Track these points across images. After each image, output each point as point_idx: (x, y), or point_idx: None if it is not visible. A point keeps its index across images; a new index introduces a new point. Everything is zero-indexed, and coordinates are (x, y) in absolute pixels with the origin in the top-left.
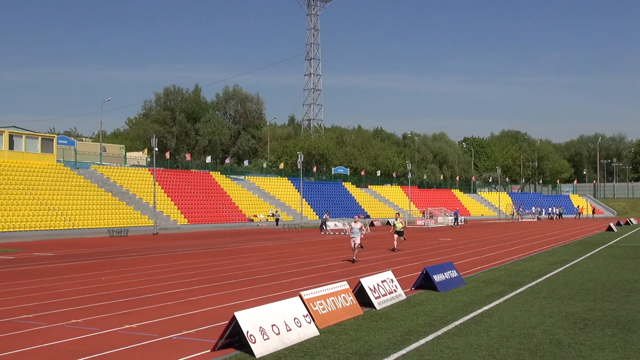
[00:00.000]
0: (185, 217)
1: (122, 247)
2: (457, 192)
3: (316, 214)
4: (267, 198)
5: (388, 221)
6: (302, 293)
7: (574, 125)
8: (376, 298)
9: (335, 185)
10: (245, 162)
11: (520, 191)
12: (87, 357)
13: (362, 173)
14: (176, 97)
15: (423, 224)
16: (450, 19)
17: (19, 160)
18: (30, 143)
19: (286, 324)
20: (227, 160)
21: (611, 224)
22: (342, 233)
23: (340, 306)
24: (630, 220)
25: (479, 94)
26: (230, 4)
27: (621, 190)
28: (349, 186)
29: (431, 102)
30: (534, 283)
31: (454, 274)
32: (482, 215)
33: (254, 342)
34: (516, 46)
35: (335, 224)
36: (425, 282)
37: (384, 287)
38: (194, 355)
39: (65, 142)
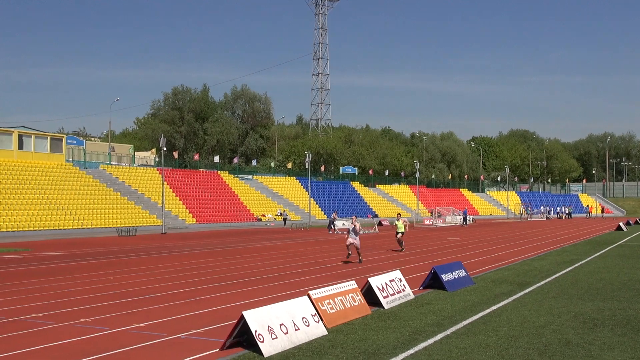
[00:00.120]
0: (193, 217)
1: (131, 246)
2: (465, 192)
3: (324, 214)
4: (275, 197)
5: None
6: (311, 292)
7: (583, 125)
8: (384, 297)
9: (343, 184)
10: (254, 162)
11: (529, 190)
12: (96, 356)
13: (370, 172)
14: (184, 97)
15: (431, 223)
16: (459, 18)
17: (28, 160)
18: (39, 143)
19: (294, 324)
20: (235, 160)
21: (620, 224)
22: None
23: (349, 305)
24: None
25: (488, 93)
26: (238, 4)
27: (630, 189)
28: (357, 186)
29: (439, 101)
30: (542, 283)
31: (462, 273)
32: (490, 214)
33: (262, 342)
34: (525, 45)
35: (343, 224)
36: (433, 282)
37: (392, 286)
38: (202, 355)
39: (74, 142)
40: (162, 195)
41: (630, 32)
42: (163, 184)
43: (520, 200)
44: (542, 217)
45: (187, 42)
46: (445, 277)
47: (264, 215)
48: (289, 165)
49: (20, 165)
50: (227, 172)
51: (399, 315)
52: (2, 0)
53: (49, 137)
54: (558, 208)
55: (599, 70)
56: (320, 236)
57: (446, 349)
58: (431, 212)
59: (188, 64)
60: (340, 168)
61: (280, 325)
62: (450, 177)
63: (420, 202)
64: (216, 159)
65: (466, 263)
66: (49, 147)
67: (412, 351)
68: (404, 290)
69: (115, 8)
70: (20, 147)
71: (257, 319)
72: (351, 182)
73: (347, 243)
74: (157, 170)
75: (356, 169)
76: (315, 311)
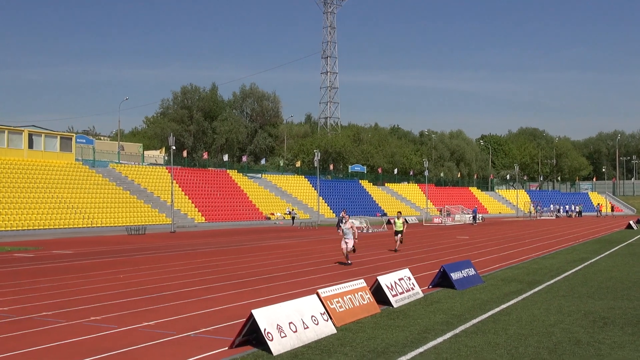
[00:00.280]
0: (202, 215)
1: (140, 245)
2: (474, 190)
3: (333, 212)
4: (284, 196)
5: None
6: (320, 291)
7: (593, 122)
8: (393, 296)
9: (352, 183)
10: (262, 161)
11: (538, 189)
12: (106, 354)
13: (379, 171)
14: (193, 95)
15: (440, 221)
16: (468, 15)
17: (38, 159)
18: (49, 142)
19: (303, 322)
20: (244, 159)
21: (631, 222)
22: (359, 231)
23: (358, 304)
24: None
25: (497, 91)
26: (247, 3)
27: None
28: (365, 184)
29: (448, 99)
30: (552, 281)
31: (471, 272)
32: (500, 213)
33: (272, 340)
34: (534, 43)
35: (352, 222)
36: (442, 280)
37: (401, 285)
38: (211, 353)
39: (84, 140)
40: (172, 194)
41: None
42: (172, 183)
43: (530, 198)
44: (551, 216)
45: (196, 42)
46: (455, 276)
47: (272, 214)
48: (298, 164)
49: (30, 164)
50: (236, 170)
51: (408, 314)
52: (12, 0)
53: (58, 136)
54: (567, 206)
55: (609, 68)
56: (329, 235)
57: (455, 348)
58: (440, 211)
59: (197, 63)
60: (349, 166)
61: (289, 323)
62: (459, 175)
63: (429, 200)
64: (225, 157)
65: (475, 261)
66: (59, 146)
67: (421, 350)
68: (413, 288)
69: (124, 8)
70: (31, 146)
71: (266, 317)
72: (360, 181)
73: (344, 248)
74: (166, 169)
75: (365, 167)
76: (324, 310)
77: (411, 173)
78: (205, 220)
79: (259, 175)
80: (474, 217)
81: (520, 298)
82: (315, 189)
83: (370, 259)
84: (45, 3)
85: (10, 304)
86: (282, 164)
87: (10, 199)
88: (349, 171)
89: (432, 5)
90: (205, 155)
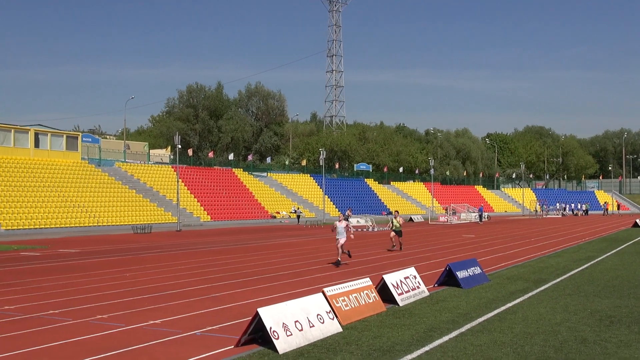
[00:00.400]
0: (208, 214)
1: (146, 243)
2: (480, 189)
3: (338, 211)
4: (289, 195)
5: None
6: (325, 289)
7: (599, 121)
8: (399, 295)
9: (357, 181)
10: (268, 159)
11: (544, 187)
12: (112, 353)
13: (385, 169)
14: (199, 94)
15: (446, 220)
16: (473, 14)
17: (45, 158)
18: (55, 141)
19: (309, 320)
20: (250, 157)
21: (637, 220)
22: (365, 230)
23: (363, 302)
24: None
25: (502, 89)
26: (252, 1)
27: None
28: (371, 183)
29: (454, 98)
30: (558, 280)
31: (477, 270)
32: (505, 211)
33: (277, 338)
34: (540, 41)
35: (357, 221)
36: (448, 279)
37: (407, 283)
38: (217, 351)
39: (90, 139)
40: (177, 193)
41: None
42: (178, 182)
43: (536, 197)
44: (557, 214)
45: (201, 40)
46: (460, 274)
47: (278, 213)
48: (303, 163)
49: (36, 163)
50: (242, 169)
51: (414, 313)
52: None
53: (64, 135)
54: (572, 205)
55: (616, 66)
56: (334, 233)
57: (461, 346)
58: (446, 209)
59: (202, 62)
60: (355, 165)
61: (295, 322)
62: (465, 174)
63: (434, 199)
64: (230, 156)
65: (481, 260)
66: (65, 145)
67: (427, 348)
68: (418, 287)
69: (128, 7)
70: (37, 145)
71: (272, 315)
72: (365, 179)
73: (339, 245)
74: (172, 167)
75: (370, 166)
76: (329, 308)
77: (417, 171)
78: (211, 218)
79: (265, 173)
80: (480, 216)
81: (526, 297)
82: (320, 188)
83: (375, 257)
84: (49, 3)
85: (17, 302)
86: (287, 163)
87: (16, 197)
88: (355, 170)
89: (437, 4)
90: (211, 154)
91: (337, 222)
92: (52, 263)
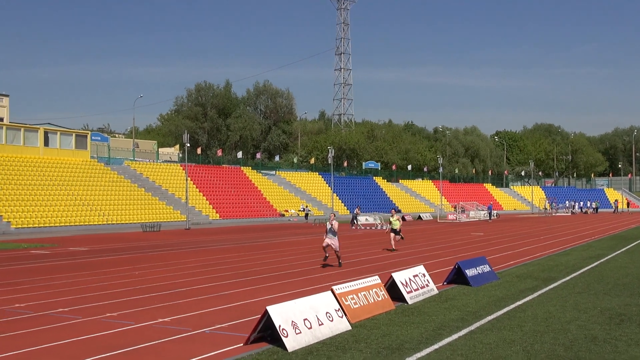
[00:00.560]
0: (217, 212)
1: (155, 242)
2: (489, 186)
3: (347, 209)
4: (298, 193)
5: (403, 216)
6: (334, 287)
7: (609, 118)
8: (408, 293)
9: (366, 179)
10: (276, 157)
11: (553, 185)
12: (122, 351)
13: (393, 167)
14: (207, 93)
15: (455, 218)
16: (482, 11)
17: (54, 157)
18: (64, 139)
19: (318, 318)
20: (258, 156)
21: None
22: (374, 228)
23: (372, 301)
24: None
25: (511, 86)
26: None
27: None
28: (379, 181)
29: (462, 95)
30: (568, 278)
31: (486, 268)
32: (515, 209)
33: (286, 336)
34: (549, 38)
35: (366, 219)
36: (457, 277)
37: (416, 281)
38: (227, 349)
39: (99, 138)
40: (186, 191)
41: None
42: (187, 180)
43: (545, 195)
44: (567, 212)
45: (209, 39)
46: (469, 272)
47: (286, 211)
48: (312, 161)
49: (46, 162)
50: (250, 167)
51: (423, 311)
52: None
53: (74, 134)
54: (581, 202)
55: (625, 64)
56: (342, 231)
57: (471, 345)
58: (455, 207)
59: (211, 61)
60: (363, 163)
61: (304, 320)
62: (473, 171)
63: (443, 197)
64: (239, 154)
65: (490, 258)
66: (74, 144)
67: (436, 346)
68: (427, 285)
69: (139, 6)
70: (46, 143)
71: (281, 314)
72: (374, 177)
73: (324, 244)
74: (181, 166)
75: (379, 164)
76: (338, 306)
77: (425, 169)
78: (220, 217)
79: (273, 172)
80: (490, 214)
81: (535, 295)
82: (329, 186)
83: (383, 255)
84: (58, 3)
85: (27, 300)
86: (296, 161)
87: (26, 196)
88: (363, 168)
89: (446, 1)
90: (220, 152)
91: (328, 222)
92: (62, 261)
